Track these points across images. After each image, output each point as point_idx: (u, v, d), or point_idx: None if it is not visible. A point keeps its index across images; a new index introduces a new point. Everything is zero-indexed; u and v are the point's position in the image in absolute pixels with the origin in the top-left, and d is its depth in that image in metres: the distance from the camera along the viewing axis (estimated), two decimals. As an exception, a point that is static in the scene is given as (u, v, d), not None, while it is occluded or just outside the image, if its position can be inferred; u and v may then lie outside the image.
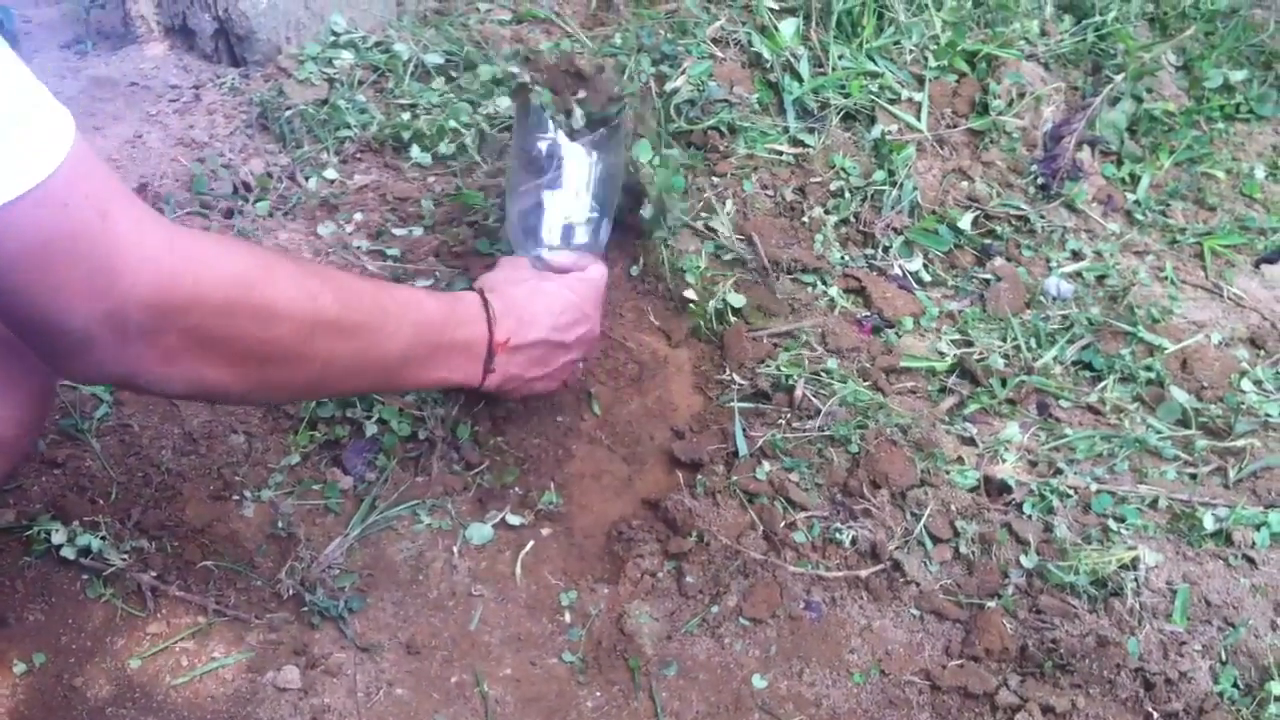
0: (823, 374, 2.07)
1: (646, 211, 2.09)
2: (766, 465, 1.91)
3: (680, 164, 2.28)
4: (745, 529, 1.83)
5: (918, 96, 2.54)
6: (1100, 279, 2.41)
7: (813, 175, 2.40)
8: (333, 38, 2.68)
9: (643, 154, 2.12)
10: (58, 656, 1.59)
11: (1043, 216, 2.49)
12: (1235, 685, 1.68)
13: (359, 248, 2.21)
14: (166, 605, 1.66)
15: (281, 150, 2.43)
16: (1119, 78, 2.68)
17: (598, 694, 1.66)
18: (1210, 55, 2.86)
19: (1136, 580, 1.77)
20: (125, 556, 1.66)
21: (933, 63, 2.58)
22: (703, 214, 2.28)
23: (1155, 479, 1.98)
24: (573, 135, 1.84)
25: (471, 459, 1.90)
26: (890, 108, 2.51)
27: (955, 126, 2.54)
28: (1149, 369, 2.20)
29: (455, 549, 1.80)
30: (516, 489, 1.89)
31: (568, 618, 1.75)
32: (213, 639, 1.64)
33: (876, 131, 2.47)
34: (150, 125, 2.50)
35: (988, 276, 2.36)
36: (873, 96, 2.51)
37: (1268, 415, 2.12)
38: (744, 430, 1.97)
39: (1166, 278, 2.46)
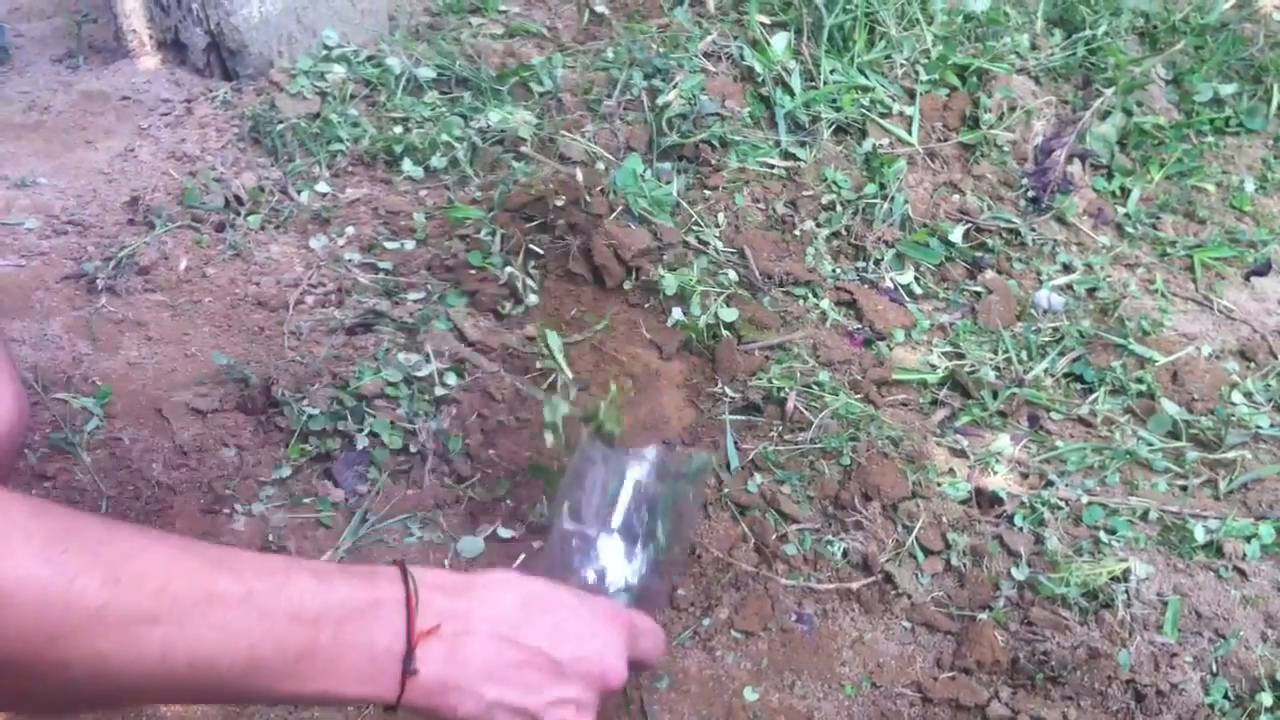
0: (814, 386, 2.07)
1: None
2: (758, 477, 1.91)
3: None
4: (737, 541, 1.83)
5: (909, 110, 2.54)
6: (1091, 292, 2.42)
7: (804, 188, 2.41)
8: (325, 52, 2.68)
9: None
10: (47, 670, 1.58)
11: (1033, 229, 2.50)
12: (1226, 697, 1.68)
13: (351, 261, 2.21)
14: (157, 619, 1.65)
15: (273, 164, 2.43)
16: (1109, 91, 2.69)
17: (589, 707, 1.65)
18: (1200, 69, 2.87)
19: (1127, 592, 1.77)
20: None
21: (924, 77, 2.59)
22: (694, 227, 2.28)
23: (1146, 491, 1.99)
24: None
25: (463, 471, 1.90)
26: (881, 121, 2.52)
27: (946, 140, 2.55)
28: (1140, 381, 2.20)
29: (446, 562, 1.79)
30: (508, 502, 1.89)
31: (559, 631, 1.74)
32: (203, 652, 1.63)
33: (868, 145, 2.48)
34: (142, 139, 2.51)
35: (979, 289, 2.37)
36: (864, 110, 2.52)
37: (1258, 427, 2.12)
38: (735, 443, 1.97)
39: (1157, 290, 2.47)
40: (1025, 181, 2.57)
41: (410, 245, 2.24)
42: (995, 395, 2.13)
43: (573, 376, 2.02)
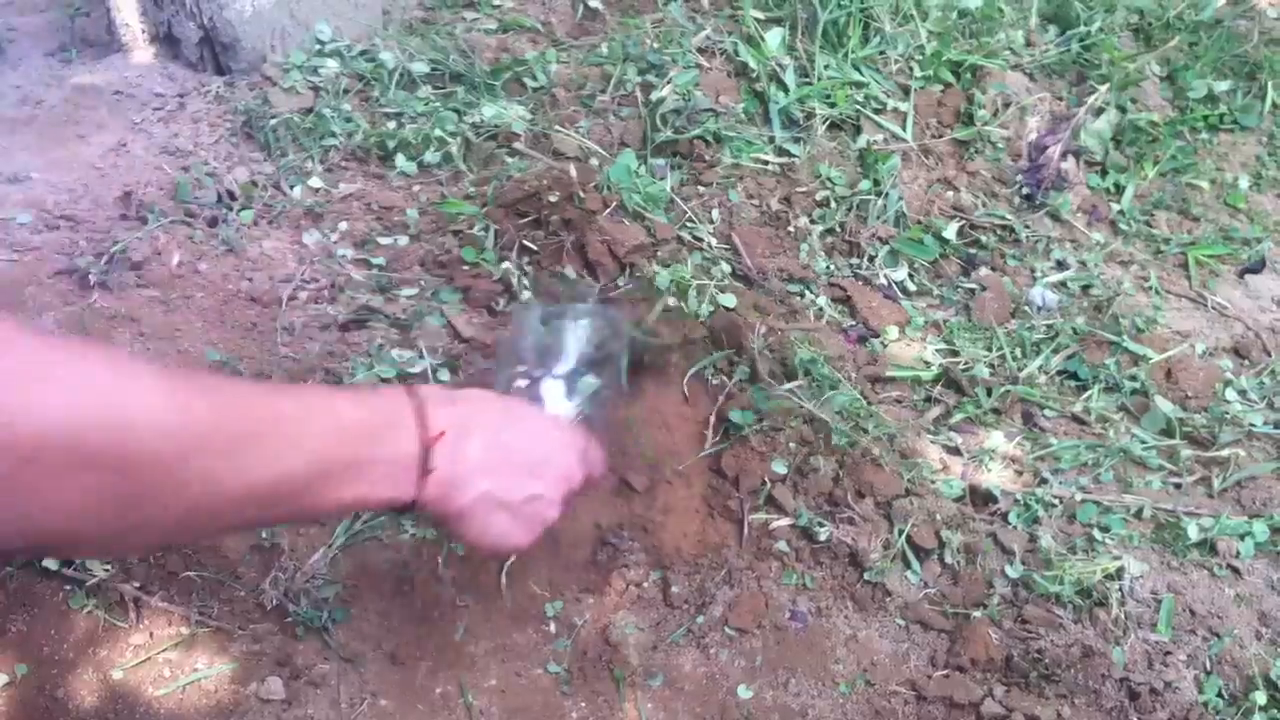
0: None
1: None
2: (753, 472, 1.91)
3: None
4: (730, 538, 1.83)
5: (903, 106, 2.54)
6: (1085, 289, 2.42)
7: (798, 185, 2.40)
8: (318, 46, 2.67)
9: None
10: (40, 667, 1.58)
11: (1027, 226, 2.50)
12: (1220, 695, 1.68)
13: (344, 256, 2.21)
14: (149, 616, 1.65)
15: (266, 159, 2.42)
16: (1103, 88, 2.69)
17: (583, 704, 1.65)
18: (1194, 66, 2.87)
19: (1121, 590, 1.77)
20: (108, 567, 1.65)
21: (918, 73, 2.59)
22: (688, 223, 2.28)
23: (1140, 488, 1.99)
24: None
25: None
26: (876, 117, 2.52)
27: (940, 136, 2.55)
28: (1134, 379, 2.20)
29: (440, 559, 1.79)
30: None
31: (553, 628, 1.75)
32: (196, 650, 1.63)
33: (862, 141, 2.47)
34: (135, 133, 2.50)
35: (973, 286, 2.37)
36: (858, 106, 2.52)
37: (1252, 425, 2.12)
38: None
39: (1151, 287, 2.47)
40: (1019, 178, 2.57)
41: (404, 241, 2.24)
42: (989, 392, 2.13)
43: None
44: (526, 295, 2.08)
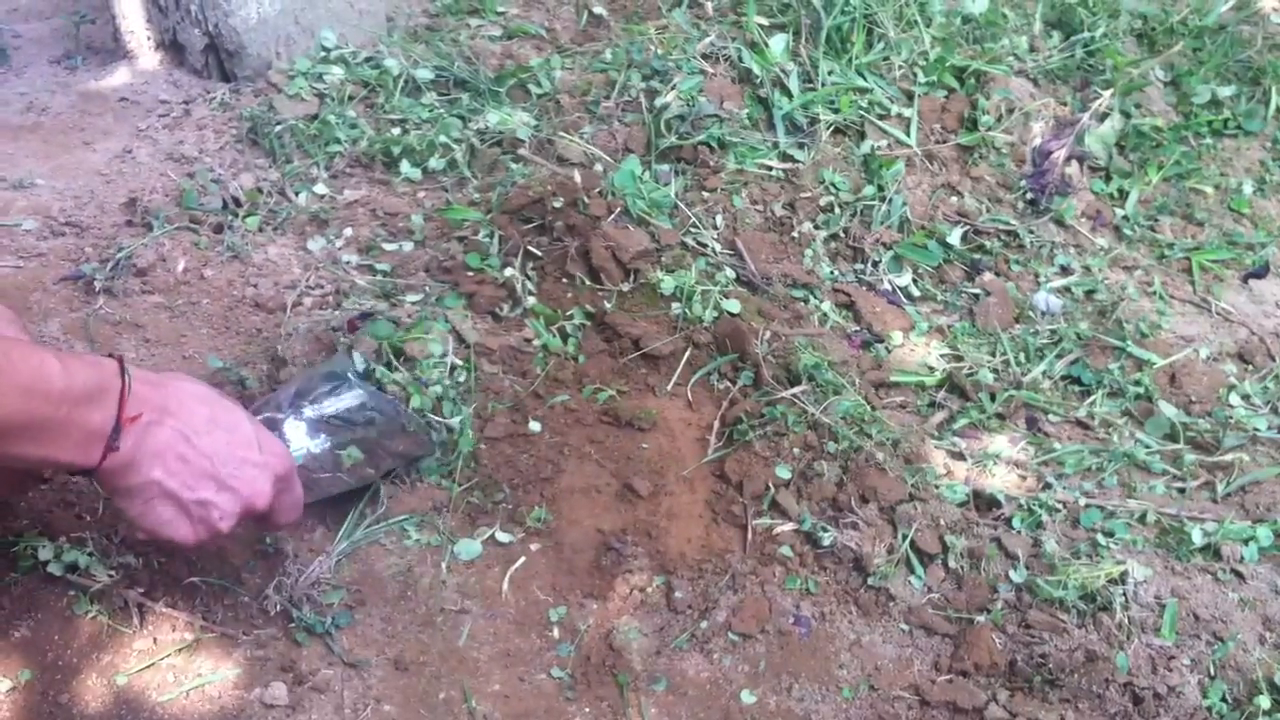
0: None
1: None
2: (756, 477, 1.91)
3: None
4: (734, 543, 1.83)
5: (907, 112, 2.55)
6: (1089, 294, 2.42)
7: (802, 190, 2.40)
8: (323, 53, 2.68)
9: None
10: (44, 673, 1.58)
11: (1031, 232, 2.50)
12: (1224, 699, 1.68)
13: (349, 262, 2.21)
14: (153, 621, 1.65)
15: (271, 165, 2.43)
16: (1107, 93, 2.69)
17: (586, 710, 1.65)
18: (1198, 71, 2.88)
19: (1125, 595, 1.77)
20: (112, 572, 1.65)
21: (922, 78, 2.59)
22: (692, 229, 2.28)
23: (1144, 493, 1.99)
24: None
25: (461, 474, 1.90)
26: (880, 123, 2.52)
27: (944, 142, 2.55)
28: (1137, 383, 2.20)
29: (444, 565, 1.79)
30: (506, 504, 1.89)
31: (556, 633, 1.75)
32: (200, 655, 1.63)
33: (866, 147, 2.48)
34: (140, 140, 2.50)
35: (977, 291, 2.37)
36: (862, 112, 2.52)
37: (1256, 430, 2.12)
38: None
39: (1155, 293, 2.47)
40: (1023, 184, 2.57)
41: (408, 247, 2.24)
42: (993, 397, 2.13)
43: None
44: (532, 300, 2.08)
